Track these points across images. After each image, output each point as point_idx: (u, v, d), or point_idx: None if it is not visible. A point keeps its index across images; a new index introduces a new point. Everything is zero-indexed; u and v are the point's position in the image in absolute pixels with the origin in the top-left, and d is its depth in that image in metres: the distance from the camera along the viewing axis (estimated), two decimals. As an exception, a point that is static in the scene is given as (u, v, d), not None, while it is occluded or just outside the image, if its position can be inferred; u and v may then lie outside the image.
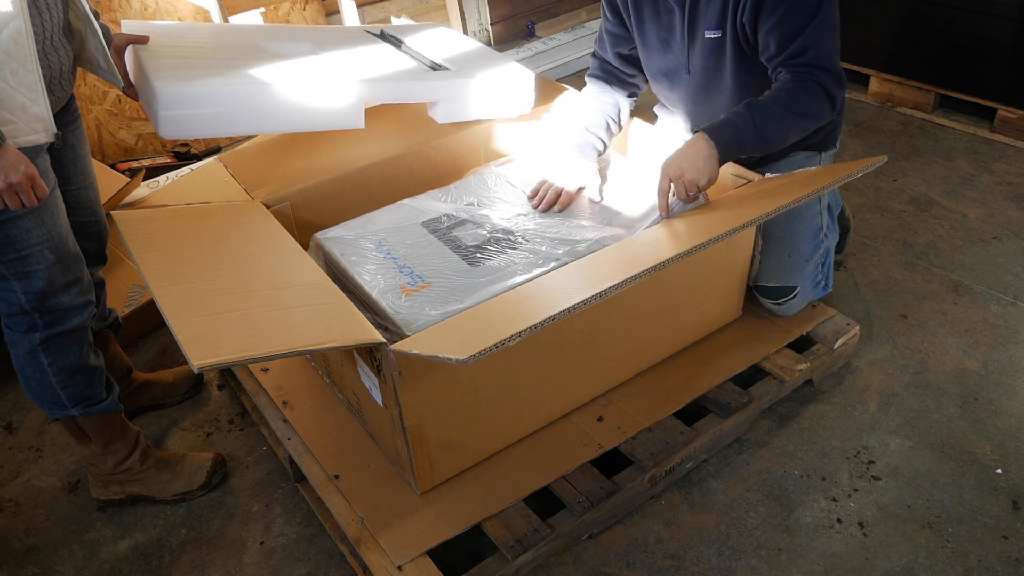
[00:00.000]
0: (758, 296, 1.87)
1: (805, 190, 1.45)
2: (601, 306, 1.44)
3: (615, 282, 1.23)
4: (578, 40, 3.72)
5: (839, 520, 1.57)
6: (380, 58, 1.97)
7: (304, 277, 1.42)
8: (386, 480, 1.55)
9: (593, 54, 1.97)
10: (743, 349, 1.80)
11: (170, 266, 1.40)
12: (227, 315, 1.25)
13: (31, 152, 1.29)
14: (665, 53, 1.77)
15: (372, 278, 1.51)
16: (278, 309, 1.30)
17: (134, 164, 2.83)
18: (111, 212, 1.59)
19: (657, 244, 1.48)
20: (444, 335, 1.30)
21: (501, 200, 1.77)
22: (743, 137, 1.53)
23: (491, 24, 3.68)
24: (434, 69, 1.94)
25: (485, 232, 1.65)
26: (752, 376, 1.76)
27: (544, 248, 1.59)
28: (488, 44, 3.69)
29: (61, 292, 1.43)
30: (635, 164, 1.90)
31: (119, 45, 1.66)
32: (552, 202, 1.72)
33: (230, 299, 1.30)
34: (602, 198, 1.75)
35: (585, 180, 1.76)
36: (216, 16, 2.85)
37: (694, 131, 1.91)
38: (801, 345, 1.83)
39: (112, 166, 2.75)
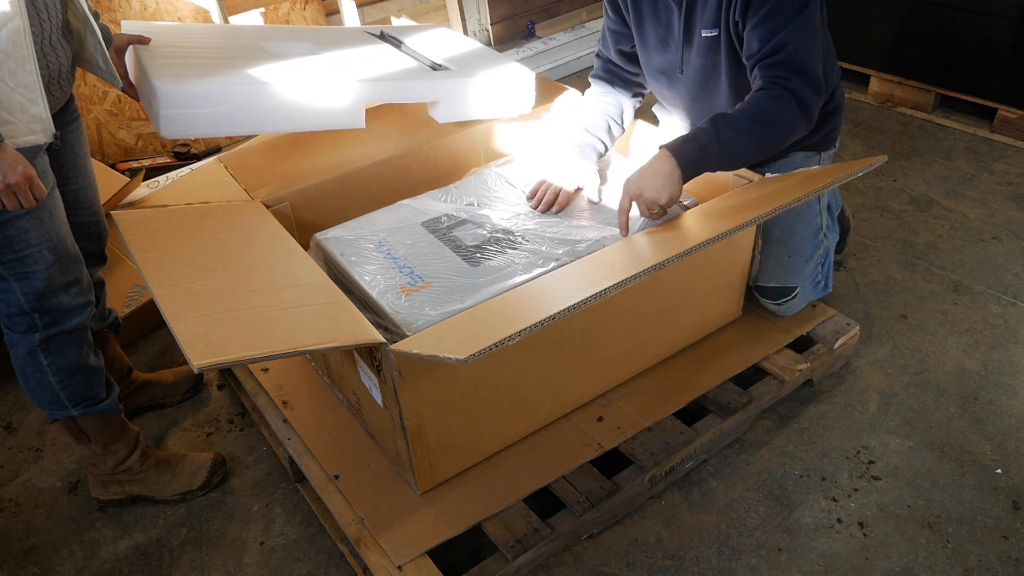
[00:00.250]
0: (758, 296, 1.87)
1: (805, 190, 1.45)
2: (601, 306, 1.44)
3: (615, 282, 1.23)
4: (578, 40, 3.72)
5: (839, 520, 1.57)
6: (380, 58, 1.97)
7: (304, 277, 1.42)
8: (386, 480, 1.55)
9: (597, 54, 1.97)
10: (743, 349, 1.80)
11: (170, 266, 1.40)
12: (227, 315, 1.25)
13: (30, 153, 1.29)
14: (663, 52, 1.77)
15: (372, 278, 1.51)
16: (278, 309, 1.30)
17: (134, 164, 2.83)
18: (111, 212, 1.59)
19: (657, 244, 1.48)
20: (444, 335, 1.30)
21: (501, 200, 1.77)
22: (707, 153, 1.49)
23: (491, 24, 3.68)
24: (434, 69, 1.94)
25: (485, 232, 1.65)
26: (752, 376, 1.76)
27: (544, 248, 1.59)
28: (488, 44, 3.69)
29: (60, 292, 1.43)
30: (636, 165, 1.90)
31: (119, 45, 1.66)
32: (551, 202, 1.72)
33: (230, 299, 1.30)
34: (601, 199, 1.75)
35: (584, 181, 1.76)
36: (216, 16, 2.85)
37: (684, 127, 1.92)
38: (801, 345, 1.83)
39: (112, 166, 2.75)
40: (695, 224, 1.53)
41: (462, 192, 1.80)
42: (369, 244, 1.62)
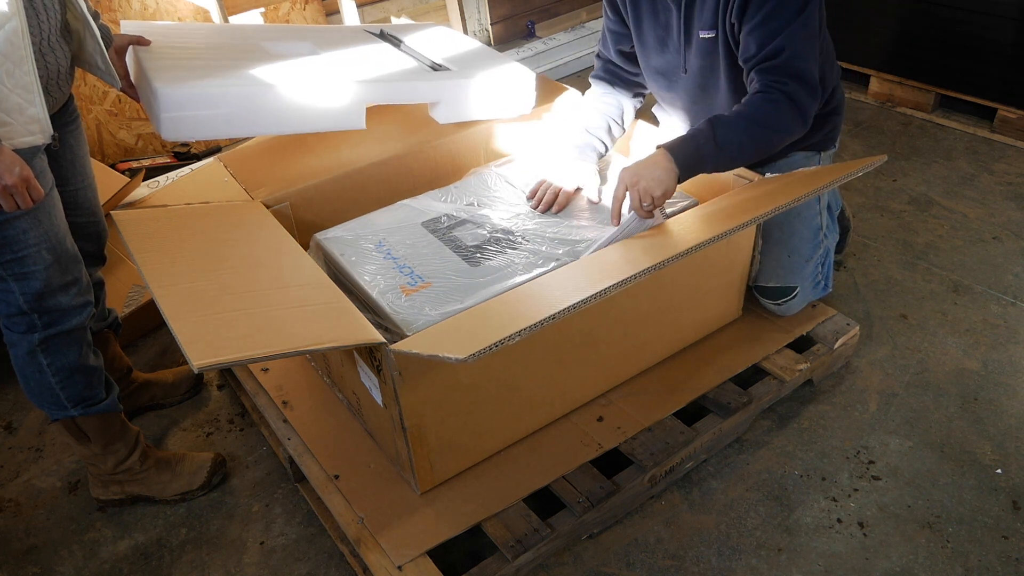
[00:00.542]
0: (758, 296, 1.87)
1: (805, 190, 1.45)
2: (601, 306, 1.44)
3: (615, 281, 1.23)
4: (578, 40, 3.72)
5: (839, 520, 1.57)
6: (380, 58, 1.97)
7: (304, 277, 1.42)
8: (386, 480, 1.55)
9: (597, 55, 1.96)
10: (743, 349, 1.80)
11: (170, 266, 1.40)
12: (227, 315, 1.25)
13: (28, 154, 1.29)
14: (662, 52, 1.77)
15: (372, 278, 1.51)
16: (278, 309, 1.30)
17: (134, 164, 2.83)
18: (111, 212, 1.59)
19: (657, 244, 1.48)
20: (444, 335, 1.30)
21: (501, 200, 1.77)
22: (704, 153, 1.51)
23: (491, 24, 3.68)
24: (435, 69, 1.94)
25: (485, 232, 1.65)
26: (752, 376, 1.76)
27: (544, 248, 1.59)
28: (488, 44, 3.69)
29: (59, 293, 1.43)
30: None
31: (120, 46, 1.66)
32: (550, 202, 1.72)
33: (230, 299, 1.30)
34: (600, 199, 1.75)
35: (583, 181, 1.76)
36: (216, 16, 2.85)
37: (682, 127, 1.92)
38: (801, 345, 1.83)
39: (112, 166, 2.75)
40: (695, 224, 1.53)
41: (462, 192, 1.80)
42: (369, 244, 1.62)
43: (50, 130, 1.32)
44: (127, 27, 1.80)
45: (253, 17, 3.07)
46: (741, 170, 1.75)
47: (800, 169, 1.72)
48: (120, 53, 1.66)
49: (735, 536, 1.55)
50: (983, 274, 2.19)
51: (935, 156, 2.75)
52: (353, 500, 1.51)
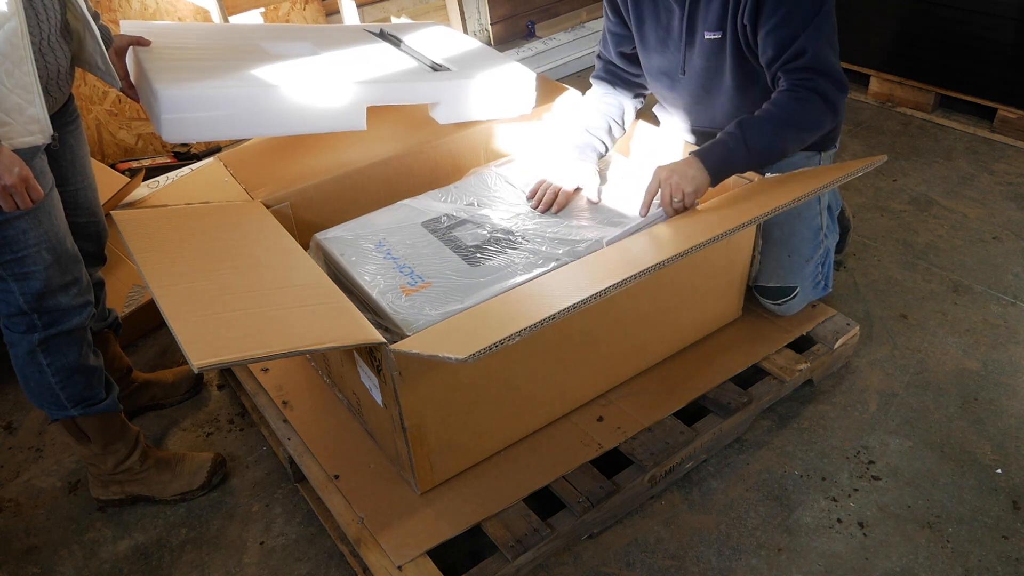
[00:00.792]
0: (758, 296, 1.87)
1: (805, 190, 1.45)
2: (601, 306, 1.44)
3: (615, 281, 1.23)
4: (578, 40, 3.72)
5: (839, 520, 1.57)
6: (381, 59, 1.97)
7: (304, 277, 1.42)
8: (386, 480, 1.55)
9: (597, 55, 1.96)
10: (743, 349, 1.80)
11: (170, 266, 1.40)
12: (227, 315, 1.25)
13: (27, 154, 1.29)
14: (663, 53, 1.77)
15: (372, 278, 1.51)
16: (278, 309, 1.30)
17: (134, 164, 2.83)
18: (111, 212, 1.59)
19: (657, 244, 1.49)
20: (444, 335, 1.30)
21: (501, 200, 1.77)
22: (735, 157, 1.57)
23: (491, 24, 3.68)
24: (435, 69, 1.94)
25: (485, 232, 1.65)
26: (752, 376, 1.76)
27: (544, 248, 1.59)
28: (488, 44, 3.69)
29: (59, 293, 1.42)
30: (637, 165, 1.90)
31: (120, 46, 1.66)
32: (550, 202, 1.72)
33: (230, 299, 1.30)
34: (600, 199, 1.75)
35: (583, 181, 1.76)
36: (216, 16, 2.85)
37: (693, 131, 1.91)
38: (801, 345, 1.83)
39: (112, 166, 2.75)
40: (695, 224, 1.53)
41: (462, 192, 1.80)
42: (369, 244, 1.62)
43: (50, 130, 1.32)
44: (127, 27, 1.80)
45: (253, 17, 3.07)
46: (741, 170, 1.75)
47: (800, 169, 1.72)
48: (120, 54, 1.66)
49: (735, 536, 1.55)
50: (983, 274, 2.19)
51: (935, 156, 2.75)
52: (353, 500, 1.51)
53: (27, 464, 1.85)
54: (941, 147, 2.80)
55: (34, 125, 1.29)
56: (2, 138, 1.24)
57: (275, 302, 1.32)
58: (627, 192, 1.76)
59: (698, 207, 1.61)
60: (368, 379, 1.44)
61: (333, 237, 1.65)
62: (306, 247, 1.61)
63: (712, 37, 1.65)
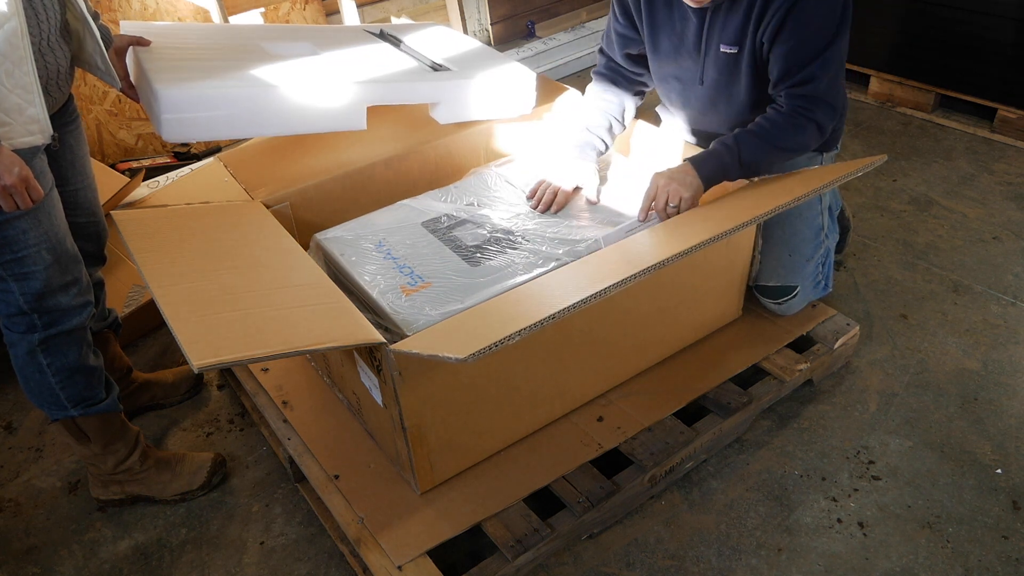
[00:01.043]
0: (758, 296, 1.87)
1: (805, 189, 1.45)
2: (601, 306, 1.44)
3: (614, 281, 1.23)
4: (578, 40, 3.72)
5: (839, 520, 1.57)
6: (381, 58, 1.97)
7: (304, 277, 1.42)
8: (386, 480, 1.55)
9: (600, 51, 1.95)
10: (743, 349, 1.80)
11: (170, 266, 1.40)
12: (227, 315, 1.25)
13: (27, 154, 1.29)
14: (676, 60, 1.76)
15: (372, 278, 1.51)
16: (278, 309, 1.30)
17: (134, 164, 2.83)
18: (111, 212, 1.59)
19: (657, 244, 1.49)
20: (444, 335, 1.30)
21: (501, 200, 1.77)
22: (727, 170, 1.63)
23: (491, 24, 3.68)
24: (435, 69, 1.94)
25: (485, 232, 1.65)
26: (752, 376, 1.76)
27: (544, 248, 1.59)
28: (488, 44, 3.69)
29: (59, 293, 1.42)
30: (637, 165, 1.90)
31: (120, 47, 1.66)
32: (549, 202, 1.72)
33: (230, 299, 1.30)
34: (599, 199, 1.75)
35: (582, 180, 1.76)
36: (216, 16, 2.85)
37: (694, 132, 1.91)
38: (801, 345, 1.83)
39: (112, 166, 2.75)
40: (695, 224, 1.53)
41: (462, 192, 1.80)
42: (369, 244, 1.62)
43: (50, 130, 1.32)
44: (127, 28, 1.80)
45: (253, 17, 3.07)
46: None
47: (800, 169, 1.72)
48: (120, 54, 1.66)
49: (735, 536, 1.55)
50: (983, 274, 2.19)
51: (935, 156, 2.75)
52: (353, 500, 1.51)
53: (27, 464, 1.85)
54: (941, 147, 2.80)
55: (34, 125, 1.29)
56: (2, 138, 1.24)
57: (275, 302, 1.32)
58: (627, 192, 1.76)
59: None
60: (368, 379, 1.44)
61: (333, 237, 1.65)
62: (306, 247, 1.61)
63: (728, 51, 1.65)
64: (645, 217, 1.62)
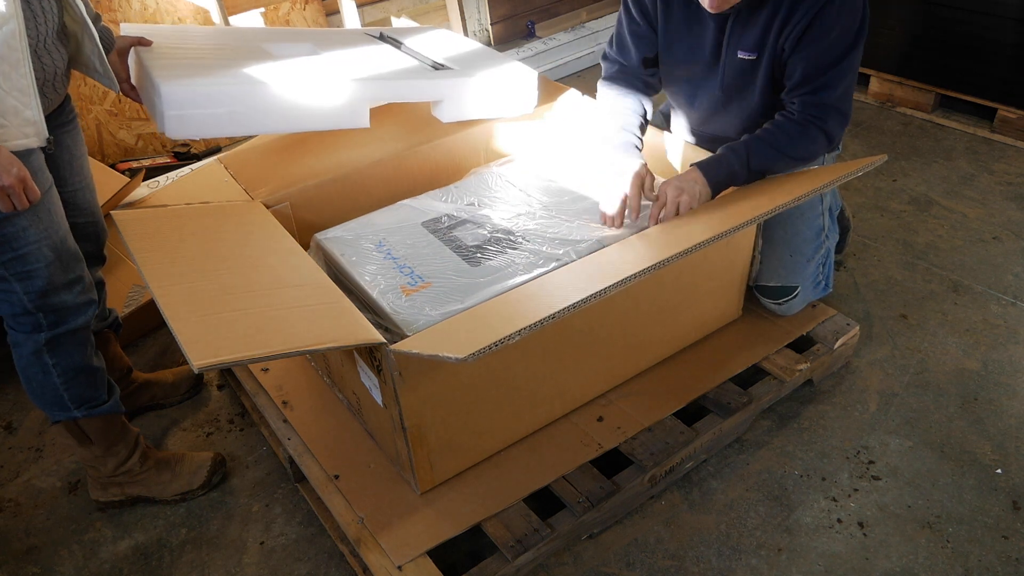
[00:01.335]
0: (759, 296, 1.87)
1: (805, 189, 1.45)
2: (601, 305, 1.44)
3: (615, 281, 1.23)
4: (578, 40, 3.72)
5: (839, 520, 1.57)
6: (383, 58, 1.97)
7: (304, 277, 1.42)
8: (386, 480, 1.55)
9: (606, 57, 1.87)
10: (743, 349, 1.80)
11: (170, 266, 1.40)
12: (227, 315, 1.25)
13: (22, 156, 1.28)
14: (690, 64, 1.74)
15: (372, 278, 1.51)
16: (278, 309, 1.30)
17: (134, 164, 2.83)
18: (111, 212, 1.59)
19: (657, 243, 1.49)
20: (444, 335, 1.30)
21: (501, 200, 1.77)
22: (735, 177, 1.62)
23: (491, 24, 3.68)
24: (436, 69, 1.94)
25: (485, 232, 1.65)
26: (752, 376, 1.76)
27: (544, 248, 1.59)
28: (488, 44, 3.69)
29: (63, 291, 1.42)
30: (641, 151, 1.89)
31: (122, 48, 1.65)
32: (636, 207, 1.62)
33: (230, 299, 1.30)
34: (655, 192, 1.66)
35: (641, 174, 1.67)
36: (216, 16, 2.85)
37: (694, 132, 1.91)
38: (801, 345, 1.83)
39: (112, 166, 2.75)
40: (695, 224, 1.53)
41: (462, 192, 1.80)
42: (369, 244, 1.62)
43: (45, 133, 1.31)
44: (127, 30, 1.80)
45: (253, 17, 3.07)
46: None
47: (801, 169, 1.72)
48: (122, 55, 1.65)
49: (735, 536, 1.55)
50: (983, 274, 2.19)
51: (935, 156, 2.75)
52: (353, 500, 1.51)
53: (27, 464, 1.85)
54: (941, 147, 2.80)
55: (29, 128, 1.28)
56: None
57: (275, 302, 1.32)
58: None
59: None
60: (368, 379, 1.44)
61: (333, 237, 1.65)
62: (306, 247, 1.61)
63: (747, 57, 1.64)
64: (656, 221, 1.61)
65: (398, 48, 2.08)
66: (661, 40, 1.76)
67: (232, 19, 2.90)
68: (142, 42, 1.69)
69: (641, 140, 1.79)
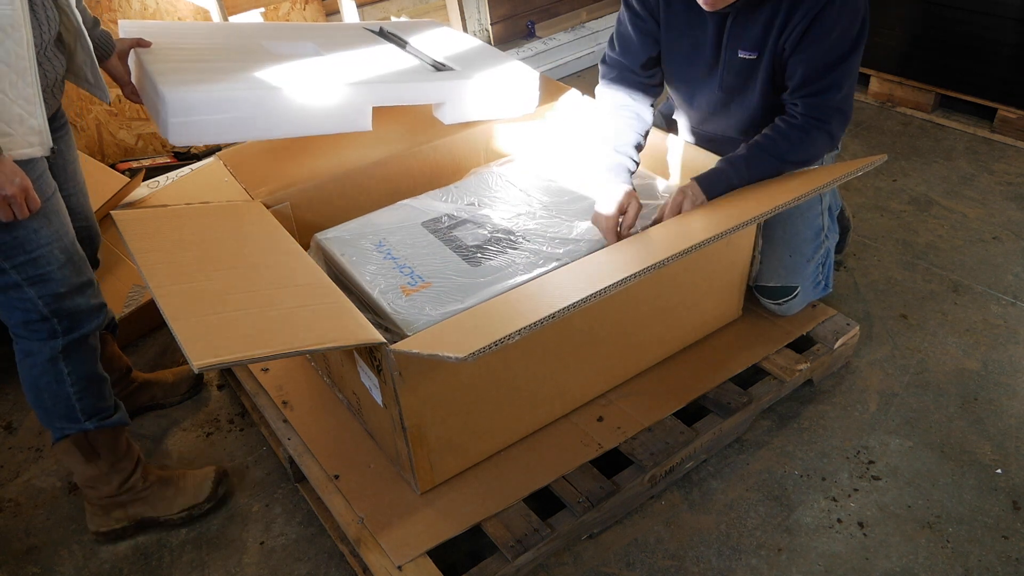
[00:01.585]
0: (759, 296, 1.87)
1: (805, 189, 1.45)
2: (601, 305, 1.44)
3: (614, 281, 1.23)
4: (578, 40, 3.72)
5: (839, 520, 1.57)
6: (384, 59, 1.97)
7: (304, 277, 1.42)
8: (386, 480, 1.55)
9: (607, 61, 1.82)
10: (743, 349, 1.80)
11: (170, 266, 1.40)
12: (227, 315, 1.25)
13: (25, 165, 1.27)
14: (689, 63, 1.74)
15: (372, 278, 1.51)
16: (278, 309, 1.30)
17: (134, 164, 2.83)
18: (111, 212, 1.59)
19: (657, 243, 1.48)
20: (444, 334, 1.30)
21: (502, 200, 1.77)
22: (734, 185, 1.62)
23: (491, 24, 3.68)
24: (438, 69, 1.93)
25: (485, 232, 1.65)
26: (752, 376, 1.76)
27: (544, 248, 1.59)
28: (488, 44, 3.68)
29: (77, 294, 1.40)
30: (645, 170, 1.90)
31: (122, 50, 1.64)
32: (631, 223, 1.62)
33: (230, 299, 1.30)
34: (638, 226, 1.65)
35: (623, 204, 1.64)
36: (216, 16, 2.85)
37: (696, 133, 1.91)
38: (801, 345, 1.83)
39: (112, 166, 2.75)
40: (695, 223, 1.53)
41: (463, 192, 1.80)
42: (369, 244, 1.62)
43: (50, 142, 1.30)
44: (125, 26, 1.80)
45: (253, 17, 3.07)
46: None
47: (801, 169, 1.72)
48: (123, 58, 1.65)
49: (735, 536, 1.55)
50: (983, 274, 2.19)
51: (935, 156, 2.75)
52: (353, 500, 1.51)
53: (27, 464, 1.85)
54: (941, 147, 2.80)
55: (34, 137, 1.27)
56: (3, 148, 1.22)
57: (275, 302, 1.32)
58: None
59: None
60: (368, 379, 1.44)
61: (333, 237, 1.65)
62: (306, 247, 1.61)
63: (747, 57, 1.63)
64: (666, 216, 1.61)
65: (399, 46, 2.08)
66: (663, 39, 1.75)
67: (232, 19, 2.90)
68: (141, 43, 1.69)
69: (635, 160, 1.73)
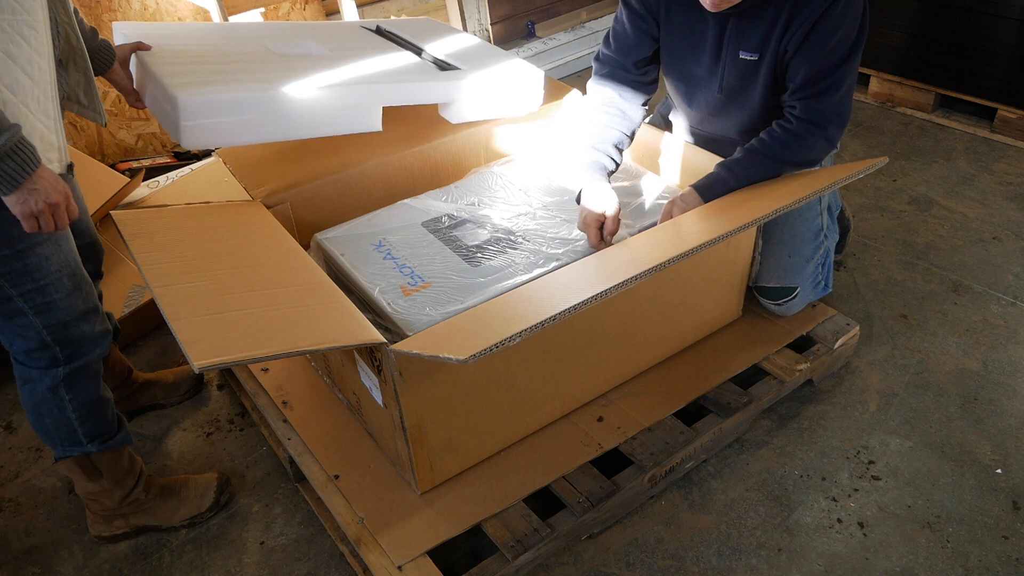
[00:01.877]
0: (758, 296, 1.87)
1: (805, 191, 1.45)
2: (601, 306, 1.44)
3: (615, 283, 1.23)
4: (578, 40, 3.72)
5: (839, 520, 1.57)
6: (389, 58, 1.96)
7: (304, 277, 1.42)
8: (386, 480, 1.55)
9: (600, 58, 1.81)
10: (743, 349, 1.80)
11: (170, 266, 1.40)
12: (227, 315, 1.25)
13: None
14: (689, 63, 1.73)
15: (372, 278, 1.51)
16: (278, 309, 1.30)
17: (134, 164, 2.83)
18: (111, 212, 1.59)
19: (657, 244, 1.48)
20: (444, 335, 1.29)
21: (502, 200, 1.77)
22: (731, 189, 1.62)
23: (491, 24, 3.68)
24: (443, 68, 1.92)
25: (485, 232, 1.65)
26: (752, 376, 1.76)
27: (544, 248, 1.59)
28: (487, 42, 3.68)
29: (83, 322, 1.38)
30: (637, 166, 1.90)
31: (123, 58, 1.63)
32: (612, 230, 1.61)
33: (230, 299, 1.30)
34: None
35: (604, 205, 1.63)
36: (216, 16, 2.85)
37: (695, 133, 1.91)
38: (801, 345, 1.83)
39: (112, 166, 2.75)
40: (695, 225, 1.53)
41: (463, 192, 1.80)
42: (369, 244, 1.62)
43: (67, 159, 1.29)
44: (119, 28, 1.79)
45: (253, 17, 3.06)
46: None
47: (801, 170, 1.72)
48: (124, 64, 1.63)
49: (735, 536, 1.55)
50: (983, 274, 2.19)
51: (935, 156, 2.75)
52: (353, 500, 1.51)
53: (27, 464, 1.85)
54: (941, 147, 2.80)
55: (53, 153, 1.25)
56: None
57: (275, 302, 1.32)
58: (628, 192, 1.76)
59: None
60: (368, 379, 1.44)
61: (333, 237, 1.65)
62: (306, 247, 1.61)
63: (748, 57, 1.63)
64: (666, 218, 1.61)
65: (400, 45, 2.08)
66: (663, 38, 1.74)
67: (232, 19, 2.90)
68: (140, 47, 1.68)
69: (614, 159, 1.72)
